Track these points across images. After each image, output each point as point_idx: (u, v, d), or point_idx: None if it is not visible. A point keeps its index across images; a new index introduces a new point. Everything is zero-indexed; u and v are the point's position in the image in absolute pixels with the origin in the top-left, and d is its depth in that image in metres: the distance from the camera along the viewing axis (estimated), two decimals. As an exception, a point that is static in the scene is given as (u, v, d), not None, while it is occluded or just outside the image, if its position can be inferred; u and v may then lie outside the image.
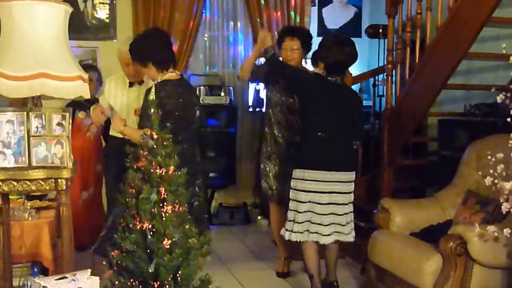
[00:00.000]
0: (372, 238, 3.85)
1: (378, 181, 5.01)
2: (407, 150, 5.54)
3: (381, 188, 4.91)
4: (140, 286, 2.30)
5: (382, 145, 4.97)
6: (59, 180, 2.52)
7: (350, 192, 3.80)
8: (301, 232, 3.72)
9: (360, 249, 4.18)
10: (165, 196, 2.37)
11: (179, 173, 2.44)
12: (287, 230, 3.80)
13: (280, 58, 4.17)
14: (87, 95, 2.77)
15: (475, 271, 3.19)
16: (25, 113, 2.59)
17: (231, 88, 6.18)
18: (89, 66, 5.08)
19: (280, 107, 4.31)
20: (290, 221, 3.78)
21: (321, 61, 3.83)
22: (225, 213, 6.11)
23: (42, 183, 2.52)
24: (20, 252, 3.44)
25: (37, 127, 2.60)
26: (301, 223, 3.71)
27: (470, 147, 3.92)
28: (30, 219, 3.61)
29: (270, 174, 4.33)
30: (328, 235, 3.72)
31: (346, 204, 3.79)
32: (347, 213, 3.81)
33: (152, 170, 2.39)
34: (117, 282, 2.31)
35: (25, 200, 3.83)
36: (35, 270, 2.84)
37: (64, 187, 2.52)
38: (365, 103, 5.87)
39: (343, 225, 3.79)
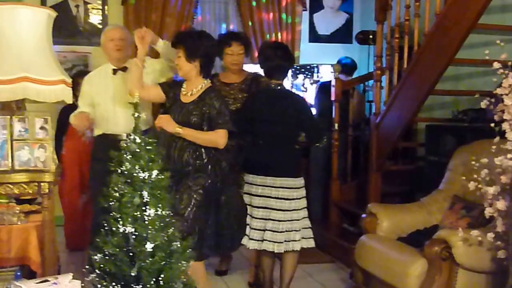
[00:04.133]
0: (359, 242, 3.86)
1: (367, 186, 5.03)
2: (396, 155, 5.57)
3: (370, 193, 4.93)
4: (123, 290, 2.31)
5: (370, 150, 5.00)
6: (42, 184, 2.52)
7: (293, 199, 3.77)
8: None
9: (349, 253, 4.19)
10: (148, 200, 2.38)
11: (162, 177, 2.45)
12: None
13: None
14: (69, 100, 2.78)
15: (460, 275, 3.21)
16: (8, 117, 2.60)
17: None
18: (85, 73, 5.07)
19: None
20: None
21: (261, 68, 3.94)
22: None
23: (25, 186, 2.53)
24: (8, 256, 3.44)
25: (20, 130, 2.60)
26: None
27: (457, 153, 3.94)
28: (19, 223, 3.60)
29: None
30: (258, 240, 3.76)
31: (289, 210, 3.76)
32: (289, 220, 3.76)
33: (135, 174, 2.40)
34: (99, 286, 2.32)
35: (15, 204, 3.83)
36: (18, 274, 2.83)
37: (47, 190, 2.52)
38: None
39: (280, 232, 3.74)
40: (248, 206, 3.80)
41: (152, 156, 2.45)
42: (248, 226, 3.79)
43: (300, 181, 3.84)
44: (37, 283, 2.20)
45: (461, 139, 4.18)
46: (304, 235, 3.84)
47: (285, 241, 3.75)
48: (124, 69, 3.86)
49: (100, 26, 6.16)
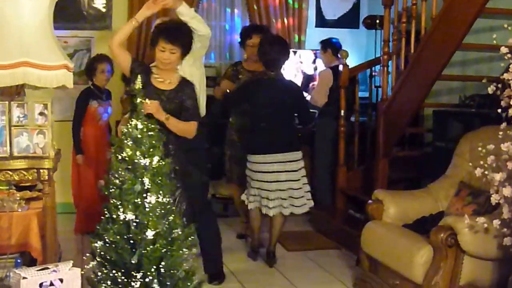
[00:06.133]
0: (365, 229, 3.83)
1: (374, 172, 4.99)
2: (403, 141, 5.52)
3: (377, 179, 4.89)
4: (123, 277, 2.29)
5: (377, 136, 4.95)
6: (41, 170, 2.50)
7: (297, 170, 4.36)
8: (252, 202, 4.42)
9: (356, 240, 4.16)
10: (149, 186, 2.35)
11: (164, 163, 2.42)
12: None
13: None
14: (71, 85, 2.73)
15: (466, 262, 3.18)
16: (6, 102, 2.57)
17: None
18: (103, 57, 5.00)
19: None
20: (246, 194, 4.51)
21: (260, 59, 4.43)
22: (218, 205, 6.08)
23: (24, 173, 2.51)
24: (9, 243, 3.42)
25: (18, 116, 2.58)
26: (253, 195, 4.39)
27: (463, 139, 3.89)
28: (19, 210, 3.59)
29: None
30: (273, 207, 4.30)
31: (295, 180, 4.34)
32: (296, 188, 4.35)
33: (136, 160, 2.38)
34: (100, 273, 2.30)
35: (15, 191, 3.81)
36: (18, 261, 2.82)
37: (47, 177, 2.50)
38: (362, 94, 5.88)
39: (291, 198, 4.35)
40: (259, 182, 4.31)
41: (154, 142, 2.43)
42: (265, 199, 4.32)
43: (301, 153, 4.42)
44: (37, 270, 2.19)
45: (468, 125, 4.13)
46: (307, 197, 4.48)
47: (302, 205, 4.41)
48: None
49: (104, 10, 6.10)
